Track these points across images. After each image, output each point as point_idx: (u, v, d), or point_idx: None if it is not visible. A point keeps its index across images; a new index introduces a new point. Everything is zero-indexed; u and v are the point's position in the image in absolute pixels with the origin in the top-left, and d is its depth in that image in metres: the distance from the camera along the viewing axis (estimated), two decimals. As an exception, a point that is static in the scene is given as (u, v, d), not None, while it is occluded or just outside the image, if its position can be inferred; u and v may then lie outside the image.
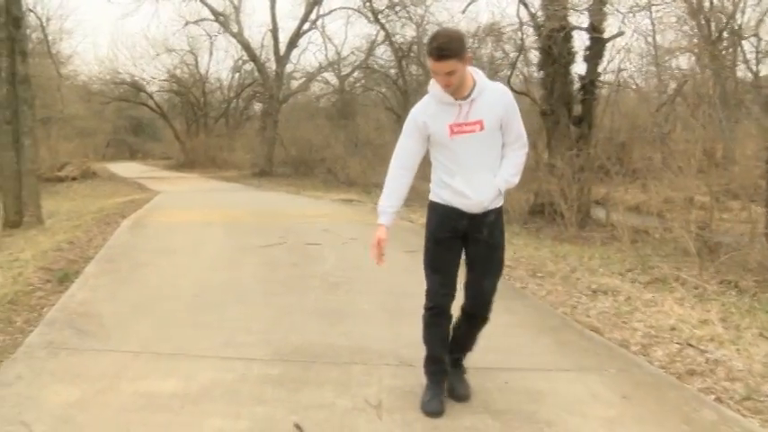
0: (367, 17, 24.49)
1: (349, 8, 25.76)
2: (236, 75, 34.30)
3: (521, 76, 13.46)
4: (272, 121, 26.31)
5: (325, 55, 32.36)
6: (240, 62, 32.48)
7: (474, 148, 3.02)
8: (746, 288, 5.80)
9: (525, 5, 11.07)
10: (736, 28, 10.57)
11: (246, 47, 27.91)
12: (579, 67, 11.17)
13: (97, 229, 8.75)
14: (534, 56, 13.19)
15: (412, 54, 23.77)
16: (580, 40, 11.46)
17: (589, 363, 3.85)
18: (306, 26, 26.54)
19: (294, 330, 4.39)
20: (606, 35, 10.93)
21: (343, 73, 29.31)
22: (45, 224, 10.15)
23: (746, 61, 11.89)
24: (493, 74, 19.33)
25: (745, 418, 3.16)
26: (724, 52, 11.56)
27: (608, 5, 10.28)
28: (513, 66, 12.56)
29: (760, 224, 7.30)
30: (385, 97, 27.46)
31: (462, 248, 3.17)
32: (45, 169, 21.13)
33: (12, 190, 10.14)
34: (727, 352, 4.07)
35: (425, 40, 22.48)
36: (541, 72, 11.46)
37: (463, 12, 13.00)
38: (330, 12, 26.70)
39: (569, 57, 10.95)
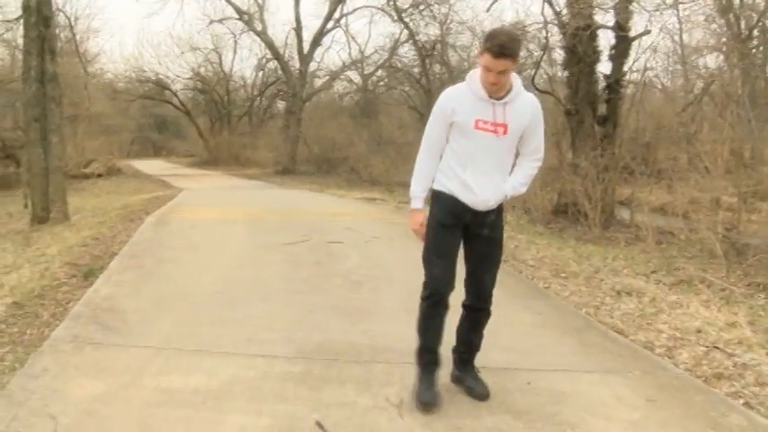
0: (391, 16, 24.47)
1: (373, 7, 25.75)
2: (260, 73, 34.48)
3: (545, 76, 13.33)
4: (296, 120, 26.39)
5: (349, 54, 32.36)
6: (264, 60, 32.65)
7: (491, 149, 3.06)
8: (775, 291, 5.69)
9: (550, 4, 10.96)
10: (768, 26, 10.37)
11: (270, 45, 28.02)
12: (604, 66, 11.05)
13: (121, 225, 8.84)
14: (559, 55, 13.07)
15: (435, 53, 23.68)
16: (605, 39, 11.34)
17: (613, 364, 3.80)
18: (329, 25, 26.59)
19: (316, 328, 4.39)
20: (632, 34, 10.79)
21: (366, 72, 29.31)
22: (71, 220, 10.28)
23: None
24: (517, 73, 19.22)
25: (775, 424, 3.11)
26: (754, 50, 11.38)
27: (634, 3, 10.13)
28: (537, 65, 12.45)
29: (790, 226, 7.16)
30: (408, 96, 27.38)
31: (462, 239, 3.20)
32: (72, 166, 21.44)
33: (39, 186, 10.28)
34: (755, 356, 4.00)
35: (449, 38, 22.46)
36: (566, 71, 11.34)
37: (487, 10, 12.92)
38: (354, 10, 26.72)
39: (594, 56, 10.81)
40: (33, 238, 8.80)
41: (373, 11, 26.00)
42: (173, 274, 5.92)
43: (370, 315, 4.76)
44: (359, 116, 27.47)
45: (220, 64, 33.89)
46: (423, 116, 25.00)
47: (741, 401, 3.37)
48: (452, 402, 3.22)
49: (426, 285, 3.18)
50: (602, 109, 10.99)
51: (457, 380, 3.40)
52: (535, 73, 12.28)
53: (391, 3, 23.42)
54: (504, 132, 3.02)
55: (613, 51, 10.74)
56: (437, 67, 24.68)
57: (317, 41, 26.79)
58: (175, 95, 34.67)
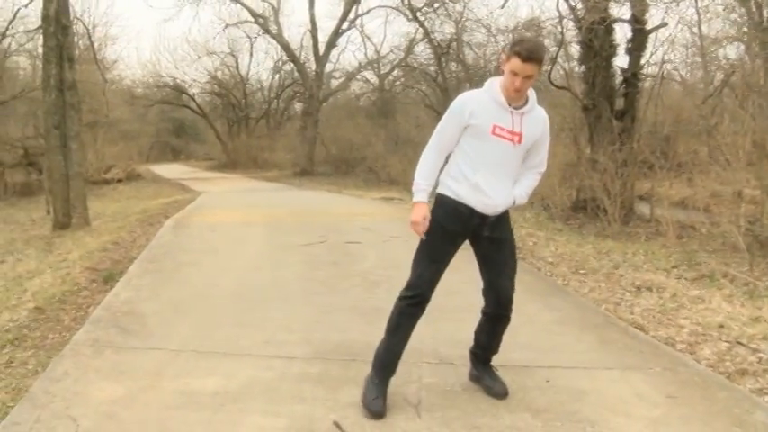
0: (405, 15, 24.43)
1: (387, 6, 25.76)
2: (277, 75, 34.65)
3: (561, 72, 13.21)
4: (313, 121, 26.47)
5: (365, 54, 32.39)
6: (280, 63, 32.80)
7: (505, 156, 3.06)
8: (801, 285, 5.59)
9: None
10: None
11: (286, 47, 28.14)
12: (621, 60, 10.92)
13: (141, 229, 8.93)
14: (575, 50, 12.96)
15: (451, 51, 23.60)
16: (622, 33, 11.23)
17: (633, 361, 3.76)
18: (345, 26, 26.63)
19: (334, 329, 4.40)
20: (649, 26, 10.66)
21: (382, 72, 29.33)
22: (92, 225, 10.40)
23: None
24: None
25: (802, 420, 3.05)
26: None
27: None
28: (553, 60, 12.33)
29: (815, 218, 7.04)
30: (425, 95, 27.34)
31: (458, 248, 3.18)
32: (92, 172, 21.68)
33: (60, 193, 10.41)
34: (780, 351, 3.93)
35: (464, 36, 22.37)
36: (582, 66, 11.23)
37: (502, 6, 12.86)
38: (368, 11, 26.74)
39: (611, 50, 10.68)
40: (55, 244, 8.92)
41: (388, 10, 26.04)
42: (191, 277, 5.96)
43: (388, 315, 4.73)
44: (376, 116, 27.47)
45: (237, 67, 34.12)
46: (439, 115, 24.70)
47: (767, 398, 3.31)
48: (471, 401, 3.21)
49: (411, 286, 3.17)
50: (620, 103, 10.86)
51: (475, 378, 3.39)
52: (551, 69, 12.16)
53: (406, 2, 23.39)
54: (519, 141, 3.04)
55: (630, 45, 10.60)
56: (453, 66, 24.61)
57: (332, 43, 26.85)
58: (193, 99, 34.95)
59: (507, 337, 3.44)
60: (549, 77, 12.31)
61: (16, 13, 15.22)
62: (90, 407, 3.16)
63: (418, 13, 23.01)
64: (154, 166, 34.81)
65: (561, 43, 11.75)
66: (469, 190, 3.06)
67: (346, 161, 24.84)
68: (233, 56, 33.33)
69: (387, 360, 3.21)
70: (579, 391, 3.32)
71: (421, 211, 3.08)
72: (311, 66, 27.91)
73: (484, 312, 3.32)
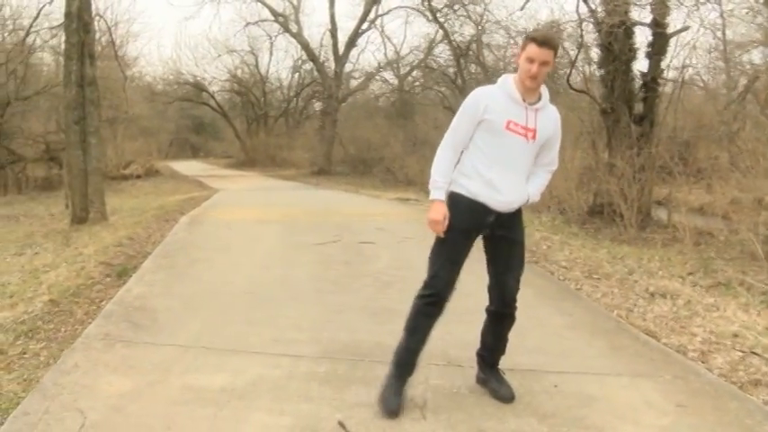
0: (425, 16, 24.42)
1: (407, 7, 25.76)
2: (296, 74, 34.84)
3: (580, 75, 13.12)
4: (331, 121, 26.55)
5: (385, 54, 32.41)
6: (300, 62, 32.97)
7: (518, 152, 3.06)
8: (819, 295, 5.49)
9: (585, 1, 10.78)
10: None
11: (306, 47, 28.25)
12: (641, 64, 10.82)
13: (156, 225, 8.99)
14: (596, 53, 12.86)
15: (470, 53, 23.54)
16: (642, 36, 11.12)
17: (643, 368, 3.72)
18: (364, 26, 26.70)
19: (344, 328, 4.40)
20: (670, 30, 10.56)
21: (402, 72, 29.33)
22: (109, 220, 10.49)
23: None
24: (552, 72, 18.99)
25: (815, 434, 2.99)
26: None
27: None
28: (572, 63, 12.26)
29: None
30: (443, 96, 27.30)
31: (473, 243, 3.16)
32: (111, 167, 21.94)
33: (79, 188, 10.50)
34: (796, 362, 3.86)
35: (484, 38, 22.29)
36: (602, 70, 11.13)
37: (522, 8, 12.79)
38: (389, 11, 26.78)
39: (631, 53, 10.58)
40: (73, 238, 9.01)
41: (408, 11, 26.03)
42: (204, 273, 5.99)
43: (399, 315, 4.66)
44: (394, 117, 27.48)
45: (257, 66, 34.34)
46: (457, 116, 24.78)
47: (779, 409, 3.26)
48: (477, 404, 3.19)
49: (429, 285, 3.15)
50: (639, 108, 10.76)
51: (482, 382, 3.37)
52: (570, 72, 12.09)
53: (426, 3, 23.36)
54: (533, 137, 3.04)
55: (650, 49, 10.50)
56: (472, 67, 24.53)
57: (352, 42, 26.91)
58: (212, 97, 35.21)
59: (516, 341, 3.43)
60: (568, 81, 12.24)
61: (40, 11, 15.42)
62: (98, 400, 3.18)
63: (438, 14, 22.96)
64: (173, 162, 35.08)
65: (580, 46, 11.65)
66: (483, 186, 3.05)
67: (364, 161, 24.87)
68: (253, 54, 33.58)
69: (405, 359, 3.19)
70: (587, 397, 3.29)
71: (440, 210, 3.06)
72: (330, 65, 28.00)
73: (488, 311, 3.32)
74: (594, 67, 12.64)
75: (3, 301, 5.14)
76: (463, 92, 23.93)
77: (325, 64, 28.49)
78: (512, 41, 19.87)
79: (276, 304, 4.99)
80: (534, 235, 8.30)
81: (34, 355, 3.86)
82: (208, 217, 10.05)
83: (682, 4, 9.76)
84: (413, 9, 25.37)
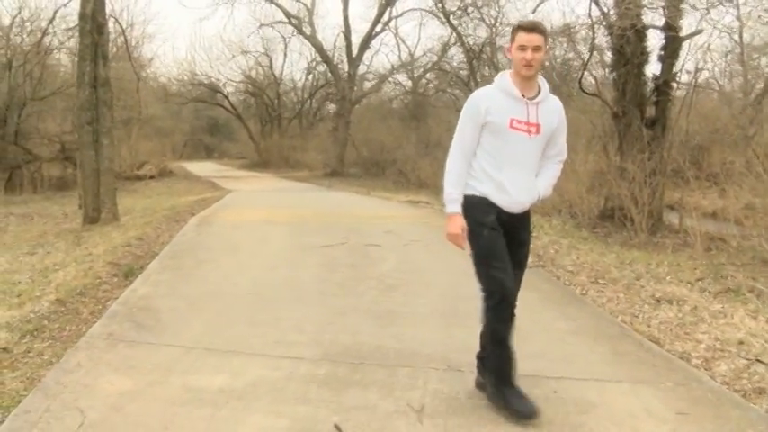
0: (439, 18, 24.42)
1: (421, 9, 25.77)
2: (310, 76, 34.97)
3: (591, 78, 13.05)
4: (344, 122, 26.62)
5: (399, 56, 32.46)
6: (314, 64, 33.13)
7: (525, 149, 3.06)
8: (832, 303, 5.42)
9: (597, 3, 10.73)
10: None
11: (319, 49, 28.34)
12: (654, 68, 10.75)
13: (166, 226, 9.05)
14: (607, 56, 12.79)
15: (484, 55, 23.50)
16: (655, 40, 11.04)
17: (645, 375, 3.68)
18: (378, 28, 26.76)
19: (346, 331, 4.40)
20: (683, 33, 10.48)
21: (415, 74, 29.34)
22: (120, 220, 10.58)
23: None
24: (564, 75, 18.89)
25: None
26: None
27: (685, 2, 9.83)
28: (584, 66, 12.21)
29: None
30: (456, 99, 27.28)
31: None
32: (125, 168, 22.14)
33: (91, 188, 10.60)
34: (803, 371, 3.81)
35: (498, 40, 22.24)
36: (613, 73, 11.08)
37: (534, 11, 12.73)
38: (402, 13, 26.82)
39: (643, 57, 10.52)
40: (84, 238, 9.10)
41: (422, 13, 26.04)
42: (210, 274, 6.03)
43: (402, 318, 4.74)
44: (408, 119, 27.50)
45: (271, 67, 34.50)
46: (470, 119, 24.74)
47: (783, 419, 3.22)
48: (474, 409, 3.18)
49: (492, 293, 3.05)
50: (651, 111, 10.68)
51: (481, 386, 3.35)
52: (582, 75, 12.04)
53: (439, 5, 23.36)
54: (537, 132, 3.04)
55: (663, 52, 10.43)
56: (486, 70, 24.47)
57: (365, 44, 26.98)
58: (227, 98, 35.41)
59: (518, 345, 3.39)
60: (581, 84, 12.18)
61: (55, 13, 15.62)
62: (98, 399, 3.21)
63: (451, 17, 22.94)
64: (187, 163, 35.31)
65: (592, 49, 11.60)
66: (493, 189, 3.04)
67: (377, 163, 24.89)
68: (267, 56, 33.77)
69: (507, 368, 3.11)
70: (587, 404, 3.26)
71: (458, 223, 3.04)
72: (344, 67, 28.05)
73: None
74: (607, 69, 12.58)
75: (11, 300, 5.20)
76: (476, 95, 23.90)
77: (339, 66, 28.58)
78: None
79: (280, 306, 5.01)
80: (542, 239, 8.27)
81: (38, 354, 3.90)
82: (217, 218, 10.10)
83: (695, 7, 9.68)
84: (426, 11, 25.40)
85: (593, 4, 10.71)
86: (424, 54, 28.22)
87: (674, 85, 11.18)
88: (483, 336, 3.35)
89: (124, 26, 22.14)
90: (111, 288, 5.45)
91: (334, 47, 29.25)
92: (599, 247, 8.33)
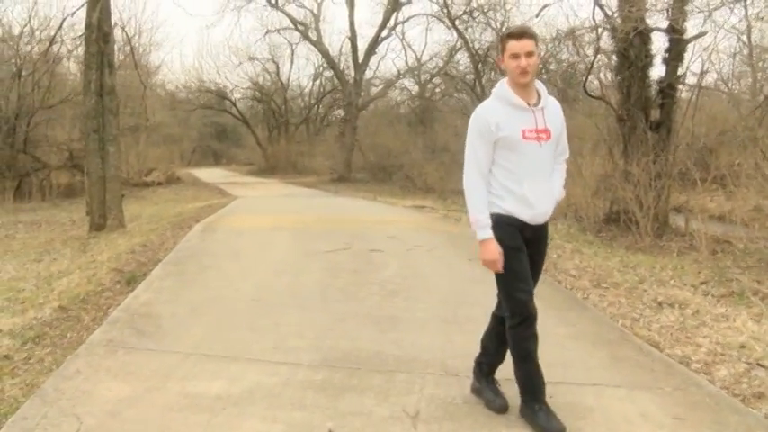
0: (445, 23, 24.43)
1: (427, 14, 25.79)
2: (317, 82, 35.06)
3: (596, 82, 13.00)
4: (351, 128, 26.66)
5: (405, 61, 32.46)
6: (320, 69, 33.20)
7: (540, 156, 3.03)
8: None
9: (600, 7, 10.70)
10: None
11: (326, 54, 28.42)
12: (659, 70, 10.69)
13: (171, 232, 9.09)
14: (612, 59, 12.74)
15: (489, 60, 23.47)
16: (660, 42, 11.00)
17: (643, 379, 3.67)
18: (384, 33, 26.77)
19: (345, 337, 4.41)
20: (689, 35, 10.43)
21: (423, 79, 29.36)
22: (127, 227, 10.64)
23: None
24: (568, 79, 18.85)
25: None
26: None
27: (689, 4, 9.79)
28: (588, 69, 12.17)
29: None
30: (463, 104, 27.28)
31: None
32: (133, 175, 22.25)
33: (97, 195, 10.67)
34: (804, 375, 3.78)
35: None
36: (618, 76, 11.03)
37: (537, 15, 12.73)
38: (408, 18, 26.82)
39: (647, 59, 10.47)
40: (90, 245, 9.17)
41: (429, 18, 26.05)
42: (212, 280, 6.05)
43: (402, 324, 4.74)
44: (415, 124, 27.51)
45: (278, 73, 34.60)
46: (476, 124, 24.75)
47: (782, 423, 3.19)
48: (470, 414, 3.18)
49: (516, 313, 3.02)
50: (656, 114, 10.63)
51: (477, 391, 3.35)
52: (587, 78, 12.01)
53: (445, 10, 23.38)
54: (549, 138, 3.03)
55: (667, 54, 10.39)
56: (492, 75, 24.43)
57: (371, 50, 27.02)
58: (234, 105, 35.55)
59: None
60: (585, 87, 12.14)
61: (62, 22, 15.70)
62: (95, 405, 3.23)
63: (457, 22, 22.95)
64: (195, 169, 35.46)
65: (597, 52, 11.57)
66: (516, 203, 3.01)
67: (384, 168, 24.88)
68: (274, 62, 33.85)
69: (535, 382, 3.10)
70: (583, 409, 3.26)
71: (493, 249, 2.98)
72: (351, 73, 28.11)
73: (495, 316, 3.27)
74: (612, 73, 12.53)
75: (14, 307, 5.25)
76: (481, 99, 23.91)
77: (345, 71, 28.64)
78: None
79: (281, 311, 5.02)
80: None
81: (39, 361, 3.94)
82: (222, 224, 10.13)
83: (699, 9, 9.64)
84: (433, 16, 25.41)
85: (596, 7, 10.69)
86: (431, 59, 28.25)
87: (680, 87, 11.13)
88: (485, 339, 3.35)
89: (132, 34, 22.35)
90: (113, 295, 5.48)
91: (341, 53, 29.37)
92: (603, 250, 8.30)
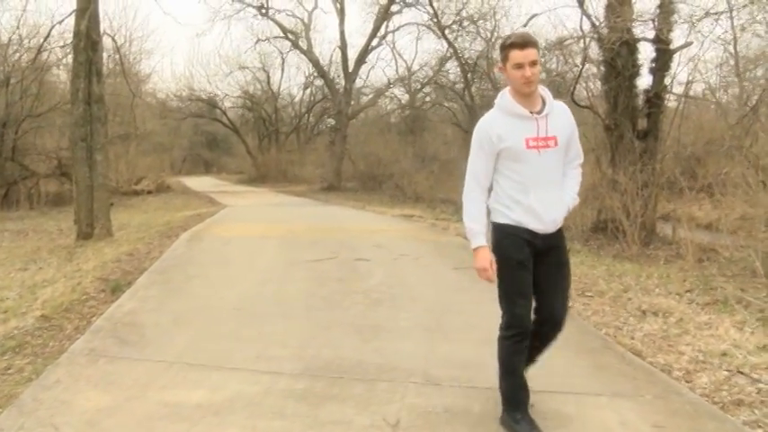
0: (435, 33, 24.54)
1: (417, 24, 25.90)
2: (307, 90, 35.10)
3: (584, 91, 13.09)
4: (341, 137, 26.68)
5: (395, 70, 32.57)
6: (311, 78, 33.24)
7: (547, 164, 2.98)
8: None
9: (588, 16, 10.79)
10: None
11: (316, 63, 28.46)
12: (646, 80, 10.79)
13: (158, 241, 9.06)
14: (600, 69, 12.83)
15: (478, 69, 23.59)
16: (647, 52, 11.09)
17: (624, 388, 3.67)
18: (374, 42, 26.84)
19: (328, 345, 4.40)
20: (675, 45, 10.53)
21: (413, 88, 29.44)
22: (114, 236, 10.58)
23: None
24: (556, 88, 18.96)
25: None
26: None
27: (674, 14, 9.90)
28: (576, 79, 12.24)
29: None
30: (452, 113, 27.39)
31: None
32: (123, 183, 22.17)
33: (85, 203, 10.62)
34: (783, 382, 3.80)
35: (494, 54, 22.34)
36: (605, 85, 11.12)
37: (525, 25, 12.82)
38: (398, 28, 26.90)
39: (634, 69, 10.57)
40: (77, 254, 9.10)
41: (419, 27, 26.16)
42: (197, 289, 6.03)
43: (385, 333, 4.74)
44: (405, 133, 27.58)
45: (268, 82, 34.63)
46: (466, 133, 24.94)
47: (760, 431, 3.20)
48: (449, 423, 3.18)
49: (510, 325, 3.03)
50: (643, 123, 10.71)
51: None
52: (574, 87, 12.07)
53: (435, 19, 23.50)
54: (556, 145, 2.97)
55: (654, 64, 10.48)
56: (480, 84, 24.53)
57: (362, 59, 27.08)
58: (224, 114, 35.53)
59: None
60: (572, 96, 12.22)
61: (50, 30, 15.69)
62: (74, 415, 3.21)
63: (447, 31, 23.07)
64: (185, 178, 35.39)
65: (584, 61, 11.65)
66: (524, 213, 2.97)
67: (374, 177, 24.89)
68: (264, 71, 33.91)
69: (519, 395, 3.11)
70: (563, 417, 3.26)
71: (485, 257, 2.98)
72: (341, 82, 28.15)
73: (535, 334, 3.19)
74: (599, 82, 12.62)
75: (-4, 317, 5.20)
76: (471, 108, 24.03)
77: (336, 80, 28.69)
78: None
79: (265, 320, 5.01)
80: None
81: (18, 371, 3.91)
82: (209, 233, 10.11)
83: (684, 20, 9.74)
84: (423, 25, 25.52)
85: (584, 17, 10.78)
86: (421, 68, 28.34)
87: (667, 96, 11.23)
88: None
89: (122, 42, 22.35)
90: (97, 304, 5.45)
91: (331, 61, 29.43)
92: (590, 259, 8.33)
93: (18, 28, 20.52)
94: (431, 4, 23.15)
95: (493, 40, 22.71)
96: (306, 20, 28.10)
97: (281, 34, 28.39)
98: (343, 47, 27.09)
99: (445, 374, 3.80)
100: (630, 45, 10.33)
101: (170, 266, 7.09)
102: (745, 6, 10.20)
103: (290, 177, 31.42)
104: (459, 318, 5.08)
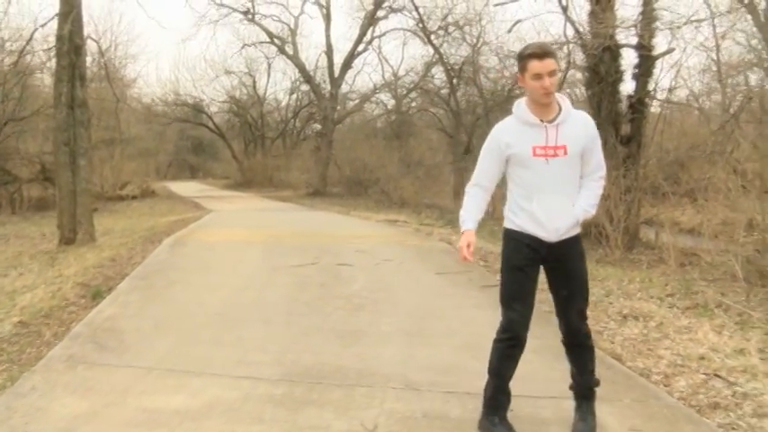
0: (421, 38, 24.62)
1: (403, 29, 25.97)
2: (293, 96, 35.04)
3: (568, 96, 13.19)
4: (327, 142, 26.66)
5: (382, 76, 32.61)
6: (297, 83, 33.17)
7: (554, 173, 2.96)
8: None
9: (572, 23, 10.89)
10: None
11: (302, 69, 28.44)
12: (629, 86, 10.89)
13: (141, 246, 9.01)
14: (584, 74, 12.94)
15: (464, 74, 23.68)
16: (630, 58, 11.21)
17: (603, 392, 3.65)
18: (361, 47, 26.87)
19: (308, 351, 4.39)
20: (658, 52, 10.65)
21: (399, 93, 29.48)
22: (98, 241, 10.52)
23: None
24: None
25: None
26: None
27: (657, 21, 10.01)
28: (560, 85, 12.35)
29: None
30: (438, 118, 27.46)
31: (537, 276, 3.10)
32: (107, 188, 22.01)
33: (68, 208, 10.55)
34: (759, 385, 3.83)
35: (479, 59, 22.41)
36: (588, 91, 11.22)
37: (509, 31, 12.91)
38: (384, 33, 26.96)
39: (617, 75, 10.68)
40: (58, 259, 9.04)
41: (405, 33, 26.23)
42: (179, 295, 6.00)
43: (366, 338, 4.74)
44: (391, 138, 27.61)
45: (254, 87, 34.58)
46: (452, 138, 25.04)
47: (734, 433, 3.24)
48: (428, 429, 3.19)
49: (505, 329, 3.07)
50: (626, 129, 10.81)
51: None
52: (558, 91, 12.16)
53: (421, 25, 23.58)
54: (565, 154, 2.94)
55: (636, 70, 10.59)
56: (470, 89, 24.59)
57: (347, 64, 27.10)
58: (210, 118, 35.41)
59: (479, 364, 3.42)
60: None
61: (32, 34, 15.58)
62: (49, 423, 3.18)
63: (433, 36, 23.16)
64: (171, 183, 35.22)
65: (568, 67, 11.74)
66: (527, 220, 2.99)
67: (359, 182, 24.90)
68: (250, 75, 33.84)
69: (499, 399, 3.13)
70: (541, 422, 3.28)
71: (466, 237, 3.02)
72: (327, 87, 28.15)
73: (562, 342, 3.27)
74: (582, 88, 12.73)
75: (-26, 324, 5.14)
76: (456, 114, 24.12)
77: (322, 85, 28.67)
78: (502, 64, 20.02)
79: (246, 326, 4.99)
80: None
81: (-7, 378, 3.86)
82: (193, 238, 10.06)
83: (664, 27, 9.85)
84: (409, 31, 25.60)
85: (567, 23, 10.88)
86: (407, 73, 28.41)
87: (650, 102, 11.34)
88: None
89: (108, 46, 22.23)
90: (77, 310, 5.41)
91: (317, 66, 29.41)
92: (572, 264, 8.35)
93: (-1, 30, 20.36)
94: (417, 10, 23.25)
95: (478, 45, 22.84)
96: (292, 25, 28.11)
97: (268, 39, 28.39)
98: (330, 52, 27.12)
99: (424, 379, 3.81)
100: (613, 51, 10.44)
101: (152, 272, 7.05)
102: (722, 15, 10.34)
103: (276, 182, 31.36)
104: (441, 323, 5.09)
